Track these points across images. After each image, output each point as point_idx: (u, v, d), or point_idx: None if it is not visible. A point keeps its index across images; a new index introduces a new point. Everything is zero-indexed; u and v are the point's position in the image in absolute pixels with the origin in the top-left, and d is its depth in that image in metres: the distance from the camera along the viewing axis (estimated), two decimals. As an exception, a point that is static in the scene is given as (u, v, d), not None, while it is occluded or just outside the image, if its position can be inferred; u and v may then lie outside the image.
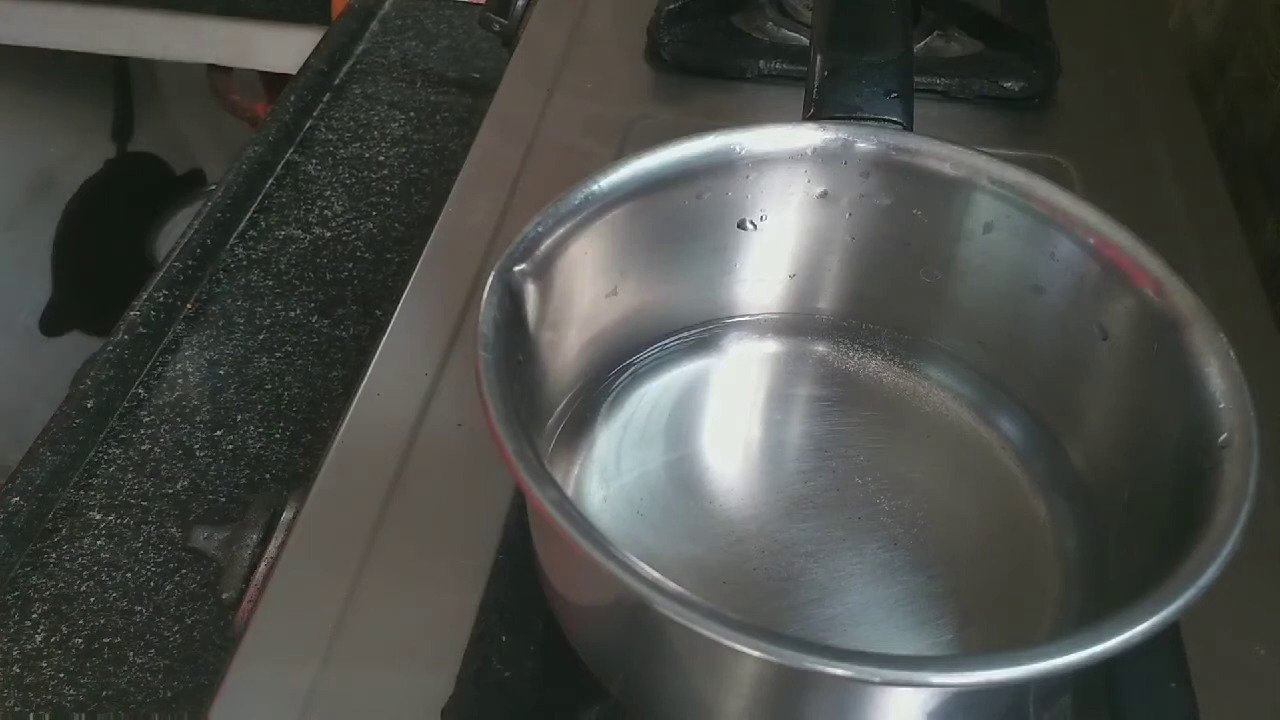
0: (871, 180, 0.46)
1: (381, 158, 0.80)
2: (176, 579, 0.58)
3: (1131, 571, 0.36)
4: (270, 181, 0.78)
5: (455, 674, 0.41)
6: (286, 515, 0.46)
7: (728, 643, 0.30)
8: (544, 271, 0.41)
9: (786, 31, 0.71)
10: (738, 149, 0.45)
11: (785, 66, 0.68)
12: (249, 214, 0.76)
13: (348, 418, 0.49)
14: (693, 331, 0.49)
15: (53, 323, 1.40)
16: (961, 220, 0.45)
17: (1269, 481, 0.35)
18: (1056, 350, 0.45)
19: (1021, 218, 0.44)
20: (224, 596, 0.45)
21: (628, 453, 0.45)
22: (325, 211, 0.76)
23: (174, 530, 0.60)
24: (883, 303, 0.49)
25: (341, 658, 0.42)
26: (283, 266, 0.75)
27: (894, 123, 0.46)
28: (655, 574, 0.31)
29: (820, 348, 0.49)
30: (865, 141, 0.45)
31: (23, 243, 1.42)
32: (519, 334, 0.40)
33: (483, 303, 0.38)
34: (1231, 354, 0.38)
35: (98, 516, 0.61)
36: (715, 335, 0.49)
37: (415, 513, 0.46)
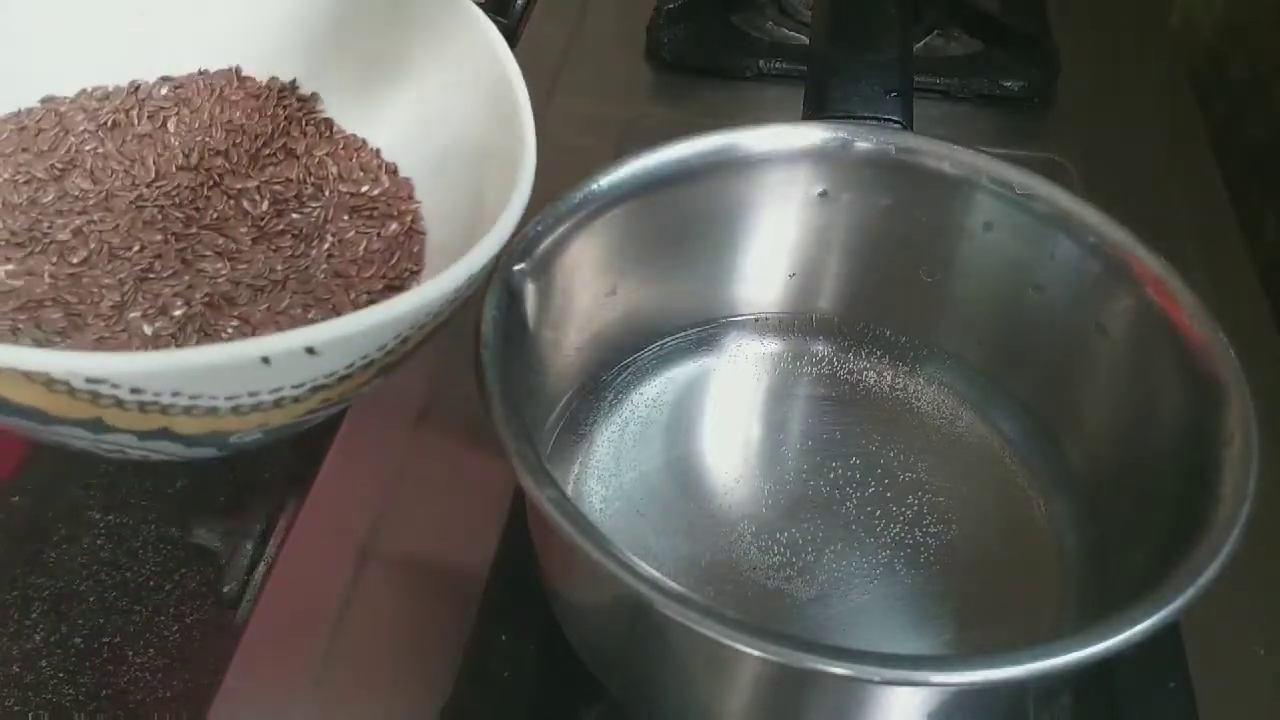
0: (871, 180, 0.46)
1: (381, 157, 0.80)
2: (176, 578, 0.58)
3: (1131, 571, 0.36)
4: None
5: (455, 674, 0.41)
6: (286, 515, 0.46)
7: (728, 642, 0.30)
8: (544, 271, 0.41)
9: (786, 30, 0.71)
10: (737, 148, 0.45)
11: (785, 65, 0.68)
12: (249, 213, 0.76)
13: (347, 417, 0.49)
14: (693, 331, 0.49)
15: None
16: (961, 220, 0.45)
17: (1269, 481, 0.35)
18: (1056, 350, 0.45)
19: (1021, 218, 0.44)
20: (225, 590, 0.45)
21: (628, 452, 0.45)
22: (325, 211, 0.76)
23: (174, 530, 0.60)
24: (883, 303, 0.49)
25: (341, 657, 0.42)
26: (282, 266, 0.75)
27: (894, 122, 0.46)
28: (655, 574, 0.31)
29: (820, 348, 0.49)
30: (865, 141, 0.45)
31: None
32: (519, 334, 0.40)
33: (483, 303, 0.38)
34: (1231, 353, 0.38)
35: (97, 516, 0.61)
36: (715, 335, 0.49)
37: (415, 512, 0.46)
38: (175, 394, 0.30)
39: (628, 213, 0.44)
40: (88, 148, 0.42)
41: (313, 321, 0.38)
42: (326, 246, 0.41)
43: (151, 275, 0.39)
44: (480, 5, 0.77)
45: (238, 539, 0.46)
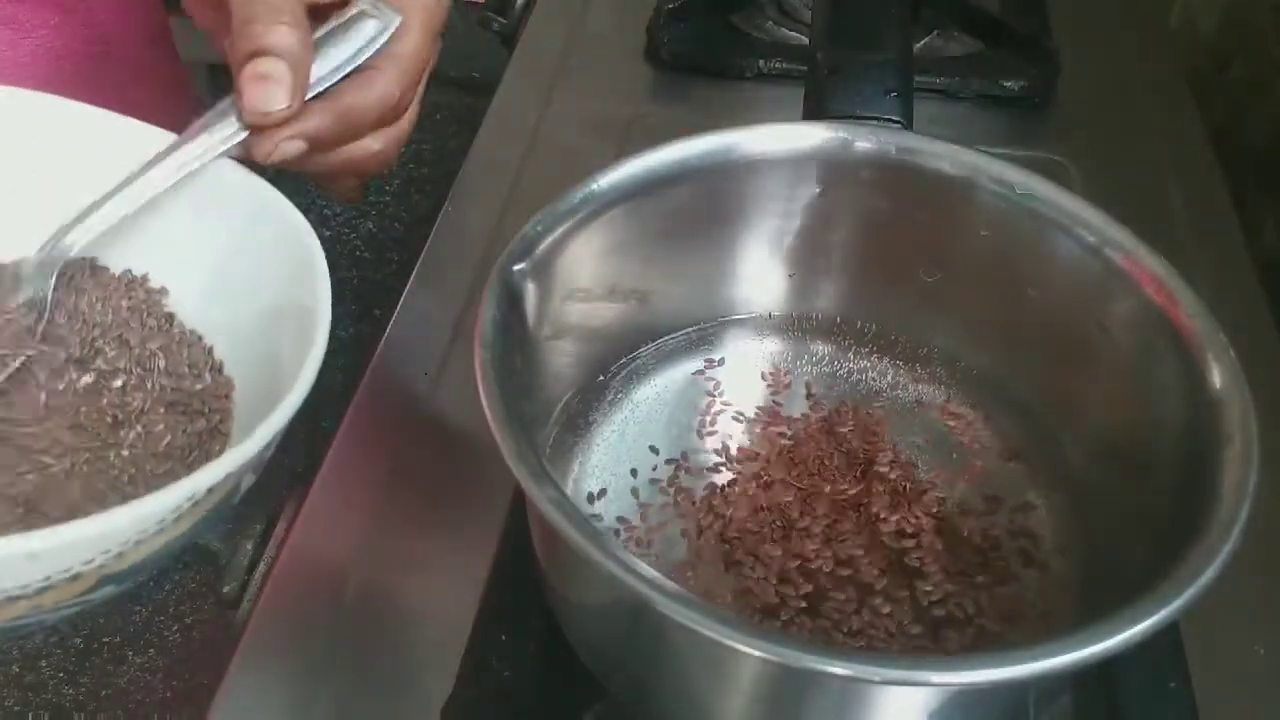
0: (871, 179, 0.46)
1: (381, 157, 0.80)
2: (176, 579, 0.58)
3: (1131, 571, 0.36)
4: (269, 181, 0.77)
5: (455, 674, 0.41)
6: (287, 514, 0.46)
7: (728, 642, 0.30)
8: (544, 271, 0.41)
9: (786, 30, 0.71)
10: (737, 148, 0.45)
11: (785, 65, 0.68)
12: (249, 213, 0.76)
13: (348, 417, 0.49)
14: (692, 331, 0.49)
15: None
16: (961, 220, 0.45)
17: (1269, 481, 0.35)
18: (1056, 350, 0.45)
19: (1021, 218, 0.44)
20: (225, 591, 0.45)
21: (627, 451, 0.45)
22: (325, 211, 0.76)
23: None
24: (883, 302, 0.49)
25: (341, 657, 0.42)
26: (282, 266, 0.75)
27: (894, 122, 0.46)
28: (655, 573, 0.31)
29: (820, 348, 0.49)
30: (865, 141, 0.45)
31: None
32: (519, 334, 0.40)
33: (483, 302, 0.38)
34: (1231, 354, 0.38)
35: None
36: (715, 334, 0.49)
37: (414, 512, 0.46)
38: None
39: (627, 212, 0.44)
40: None
41: (82, 511, 0.38)
42: (132, 437, 0.41)
43: None
44: (481, 5, 0.77)
45: (238, 539, 0.46)
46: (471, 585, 0.44)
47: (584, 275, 0.44)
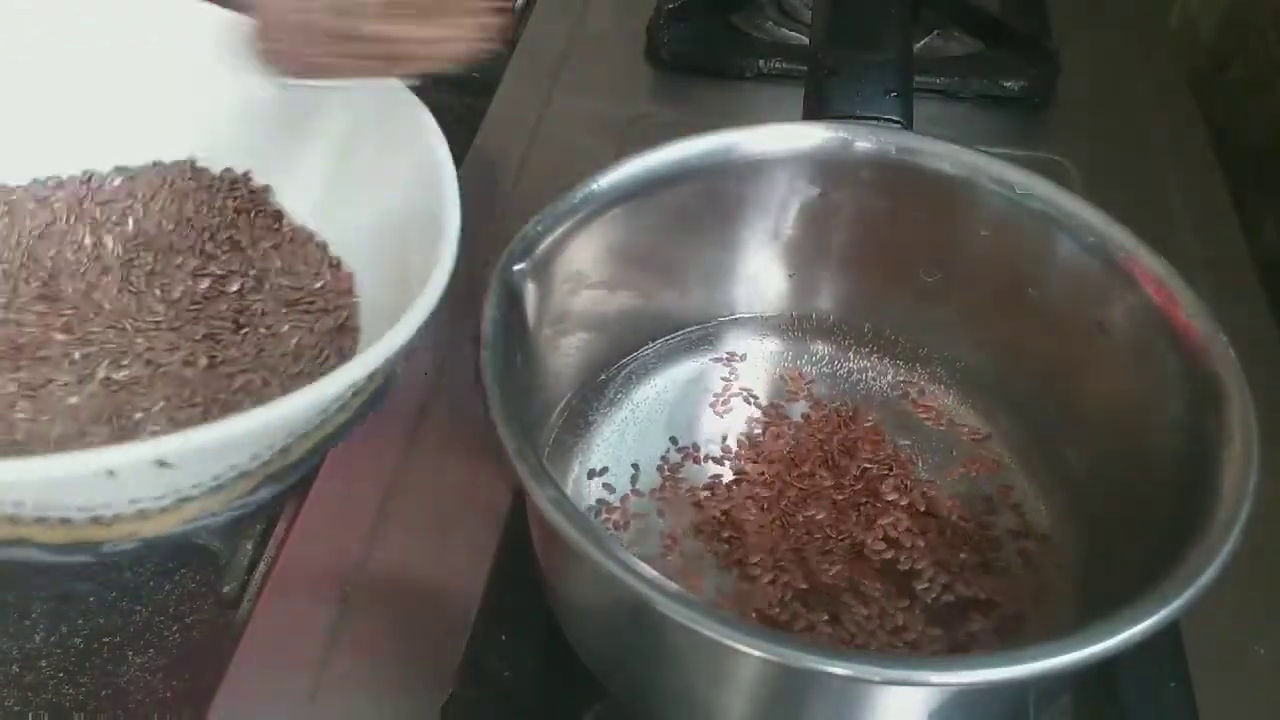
0: (871, 179, 0.46)
1: (381, 157, 0.80)
2: (176, 578, 0.58)
3: (1131, 571, 0.36)
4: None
5: (455, 674, 0.41)
6: (287, 514, 0.46)
7: (728, 642, 0.30)
8: (544, 270, 0.41)
9: (786, 30, 0.71)
10: (737, 148, 0.45)
11: (785, 65, 0.68)
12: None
13: (348, 417, 0.49)
14: (693, 330, 0.49)
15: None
16: (961, 220, 0.45)
17: (1268, 481, 0.35)
18: (1056, 350, 0.45)
19: (1021, 218, 0.44)
20: (225, 590, 0.45)
21: (627, 451, 0.45)
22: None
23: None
24: (883, 302, 0.49)
25: (341, 657, 0.42)
26: (282, 266, 0.75)
27: (894, 122, 0.46)
28: (655, 574, 0.31)
29: (820, 348, 0.49)
30: (865, 141, 0.45)
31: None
32: (519, 333, 0.40)
33: (483, 303, 0.38)
34: (1231, 354, 0.38)
35: (97, 516, 0.60)
36: (715, 335, 0.49)
37: (414, 512, 0.46)
38: (18, 504, 0.29)
39: (627, 212, 0.44)
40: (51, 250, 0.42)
41: (215, 417, 0.38)
42: (257, 339, 0.41)
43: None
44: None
45: (238, 539, 0.46)
46: (471, 585, 0.44)
47: (584, 275, 0.44)
